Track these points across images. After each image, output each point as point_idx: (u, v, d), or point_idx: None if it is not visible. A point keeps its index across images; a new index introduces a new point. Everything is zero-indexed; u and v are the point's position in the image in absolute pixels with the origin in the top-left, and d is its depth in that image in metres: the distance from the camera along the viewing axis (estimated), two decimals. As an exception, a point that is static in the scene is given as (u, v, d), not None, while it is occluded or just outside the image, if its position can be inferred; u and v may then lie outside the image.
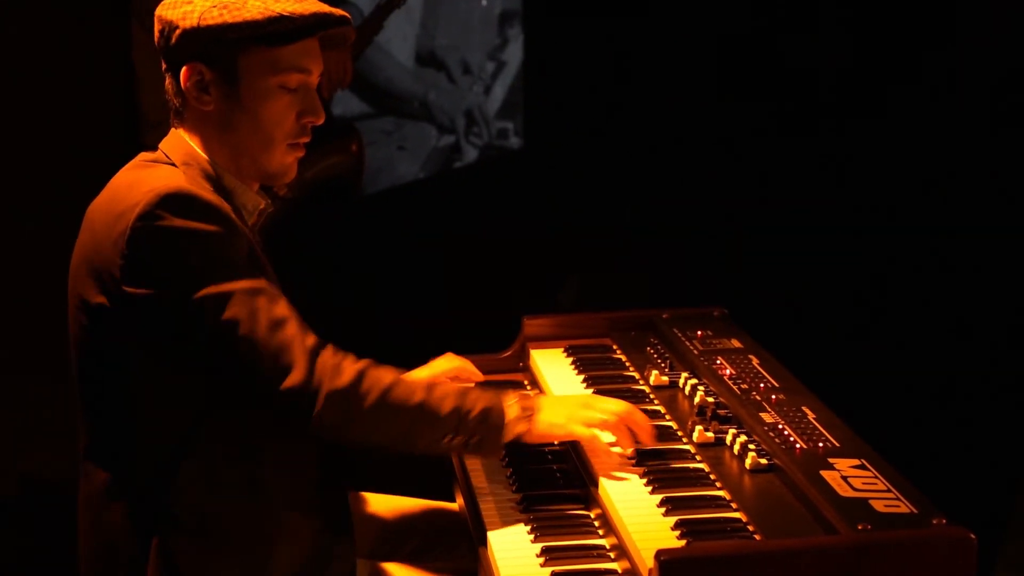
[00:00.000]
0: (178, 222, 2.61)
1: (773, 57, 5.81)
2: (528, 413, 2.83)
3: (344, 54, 4.85)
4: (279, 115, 2.78)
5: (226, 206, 2.71)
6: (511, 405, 2.81)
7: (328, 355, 2.66)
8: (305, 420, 2.61)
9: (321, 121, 2.84)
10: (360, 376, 2.66)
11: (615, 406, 2.91)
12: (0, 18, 4.74)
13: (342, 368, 2.65)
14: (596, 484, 2.84)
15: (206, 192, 2.69)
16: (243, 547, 2.74)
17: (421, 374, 3.31)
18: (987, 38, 5.08)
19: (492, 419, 2.77)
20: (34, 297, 4.82)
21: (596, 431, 2.89)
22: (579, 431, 2.87)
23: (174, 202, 2.62)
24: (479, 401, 2.77)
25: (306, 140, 2.85)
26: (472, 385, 2.91)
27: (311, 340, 2.65)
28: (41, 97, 4.84)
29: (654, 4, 6.08)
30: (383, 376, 2.70)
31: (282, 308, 2.65)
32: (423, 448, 2.77)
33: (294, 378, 2.60)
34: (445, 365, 3.37)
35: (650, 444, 2.89)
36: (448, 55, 6.65)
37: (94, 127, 4.92)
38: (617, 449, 2.92)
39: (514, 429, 2.81)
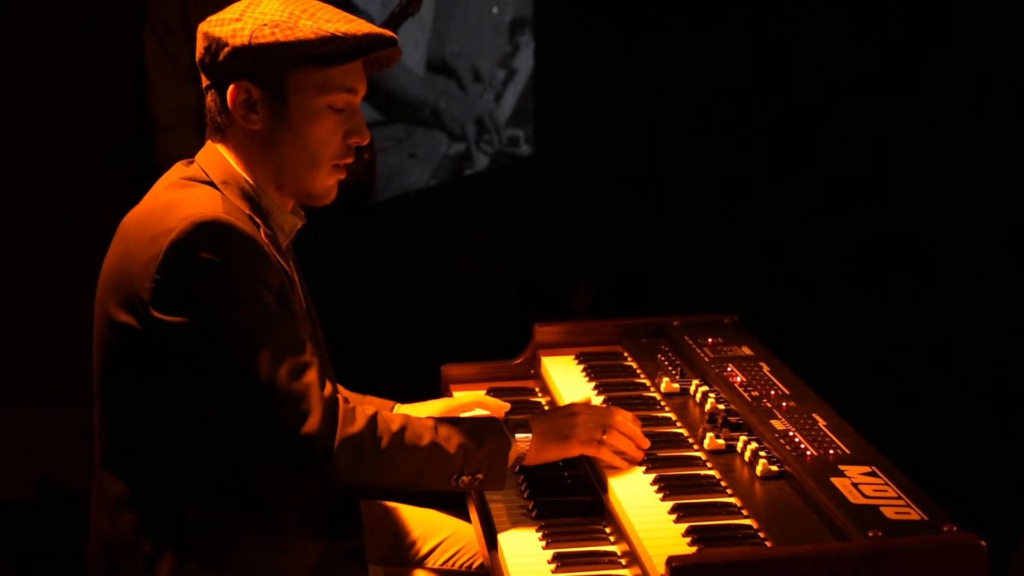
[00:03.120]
0: (211, 254, 2.60)
1: (784, 61, 5.80)
2: (527, 441, 2.84)
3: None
4: (326, 136, 2.77)
5: (261, 235, 2.70)
6: (512, 437, 2.83)
7: (342, 403, 2.66)
8: (320, 467, 2.62)
9: (367, 142, 2.83)
10: (372, 423, 2.67)
11: (612, 418, 2.92)
12: (13, 25, 4.75)
13: (355, 416, 2.66)
14: (607, 490, 2.85)
15: (242, 220, 2.67)
16: (251, 565, 2.74)
17: (437, 406, 3.28)
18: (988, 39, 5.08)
19: (499, 453, 2.79)
20: (48, 300, 4.84)
21: (597, 448, 2.90)
22: (579, 448, 2.90)
23: (209, 232, 2.61)
24: (482, 436, 2.78)
25: (350, 161, 2.84)
26: (473, 418, 2.90)
27: (328, 388, 2.65)
28: (54, 102, 4.85)
29: (664, 11, 6.08)
30: (392, 421, 2.71)
31: (305, 354, 2.64)
32: (433, 488, 2.80)
33: (311, 425, 2.60)
34: (470, 399, 3.33)
35: (640, 456, 2.91)
36: (459, 63, 6.65)
37: (107, 133, 4.93)
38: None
39: (515, 453, 2.84)
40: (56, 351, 4.79)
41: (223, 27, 2.73)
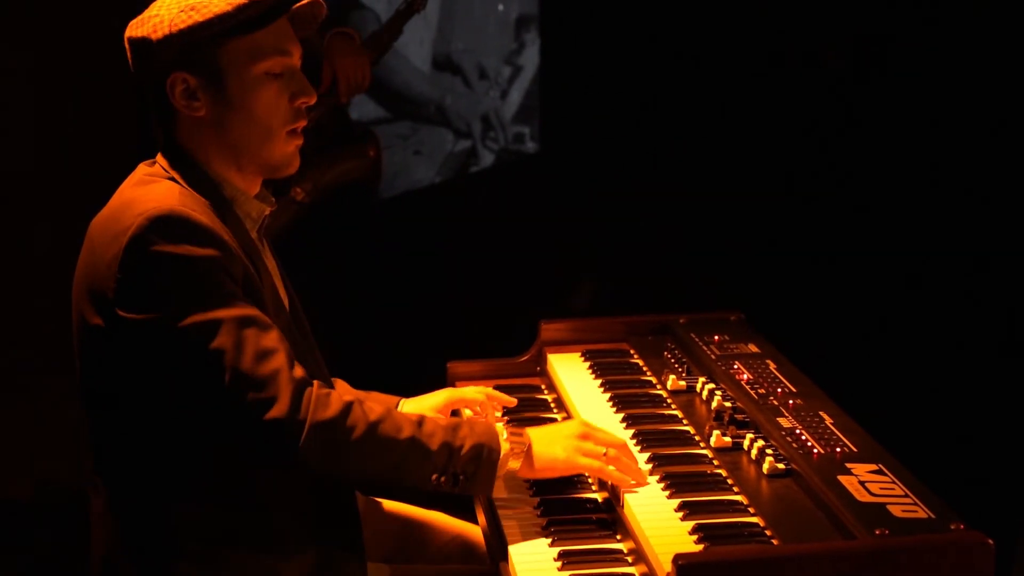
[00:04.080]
0: (169, 247, 2.60)
1: (789, 60, 5.80)
2: (520, 448, 2.78)
3: (362, 58, 4.85)
4: (271, 103, 2.76)
5: (220, 227, 2.68)
6: (503, 441, 2.76)
7: (315, 389, 2.63)
8: (289, 452, 2.59)
9: (314, 100, 2.82)
10: (347, 409, 2.63)
11: (612, 437, 2.88)
12: (14, 23, 4.75)
13: (329, 401, 2.62)
14: (612, 487, 2.84)
15: (200, 212, 2.66)
16: (246, 568, 2.73)
17: (439, 398, 3.27)
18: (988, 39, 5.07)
19: (484, 455, 2.72)
20: (50, 301, 4.83)
21: (601, 463, 2.81)
22: (584, 462, 2.81)
23: (166, 225, 2.61)
24: (470, 437, 2.72)
25: (303, 124, 2.82)
26: (463, 420, 2.86)
27: (298, 372, 2.63)
28: (54, 101, 4.85)
29: (670, 8, 6.07)
30: (372, 409, 2.67)
31: (271, 339, 2.62)
32: (412, 484, 2.72)
33: (278, 409, 2.57)
34: (465, 392, 3.31)
35: (640, 483, 2.82)
36: (464, 60, 6.65)
37: (107, 131, 4.93)
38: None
39: (506, 465, 2.77)
40: (56, 351, 4.78)
41: (143, 26, 2.74)
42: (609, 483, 2.85)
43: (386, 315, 5.75)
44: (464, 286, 6.08)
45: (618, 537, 2.77)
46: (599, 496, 2.92)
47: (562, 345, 3.65)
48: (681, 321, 3.63)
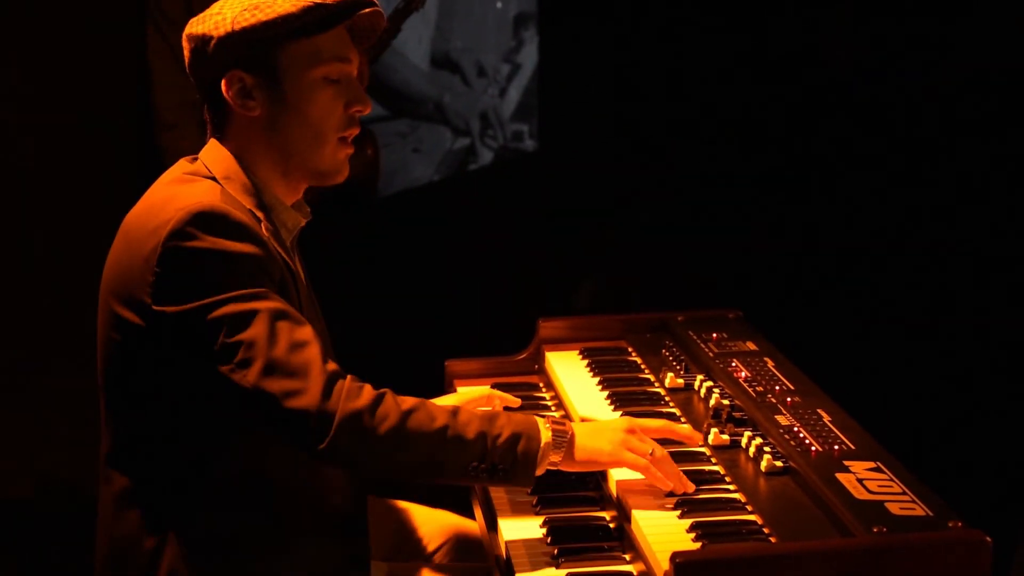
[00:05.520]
0: (208, 242, 2.59)
1: (788, 57, 5.80)
2: (563, 439, 2.69)
3: (360, 56, 4.85)
4: (326, 108, 2.76)
5: (258, 227, 2.68)
6: (544, 430, 2.67)
7: (347, 381, 2.59)
8: (318, 444, 2.54)
9: (368, 110, 2.81)
10: (378, 400, 2.58)
11: (656, 424, 2.82)
12: (15, 20, 4.75)
13: (361, 392, 2.58)
14: (610, 485, 2.84)
15: (240, 211, 2.66)
16: (253, 566, 2.74)
17: (450, 400, 3.23)
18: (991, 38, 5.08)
19: (524, 445, 2.64)
20: (50, 299, 4.84)
21: (647, 462, 2.72)
22: (629, 458, 2.71)
23: (205, 221, 2.60)
24: (508, 426, 2.64)
25: (355, 133, 2.82)
26: (500, 411, 2.79)
27: (331, 366, 2.59)
28: (55, 99, 4.85)
29: (667, 6, 6.08)
30: (404, 401, 2.61)
31: (305, 332, 2.60)
32: (448, 477, 2.64)
33: (309, 399, 2.54)
34: (478, 393, 3.28)
35: (683, 490, 2.73)
36: (463, 57, 6.65)
37: (108, 129, 4.93)
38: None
39: (548, 456, 2.67)
40: (58, 350, 4.79)
41: (205, 23, 2.74)
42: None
43: (384, 313, 5.76)
44: (462, 284, 6.08)
45: (615, 534, 2.77)
46: (595, 495, 2.92)
47: (560, 343, 3.65)
48: (679, 319, 3.63)
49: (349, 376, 2.61)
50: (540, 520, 2.82)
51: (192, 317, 2.58)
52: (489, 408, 3.19)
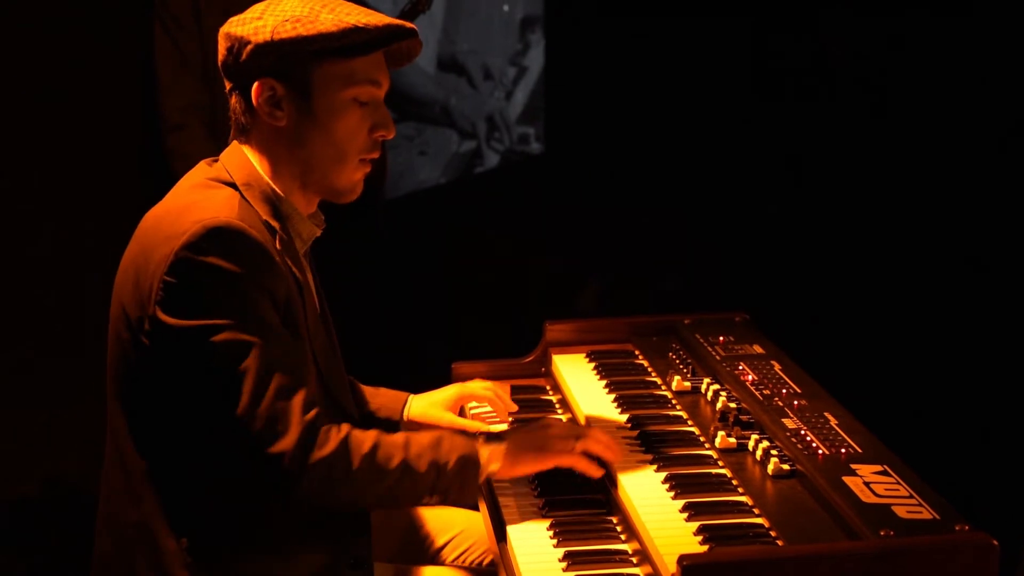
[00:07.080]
0: (220, 260, 2.60)
1: (797, 59, 5.80)
2: (498, 453, 2.81)
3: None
4: (352, 129, 2.78)
5: (276, 241, 2.71)
6: (482, 449, 2.80)
7: (321, 428, 2.64)
8: (289, 489, 2.61)
9: (392, 135, 2.85)
10: (343, 446, 2.65)
11: (581, 430, 2.92)
12: (22, 21, 4.75)
13: (328, 438, 2.64)
14: (617, 488, 2.84)
15: (256, 226, 2.68)
16: (255, 567, 2.74)
17: (447, 394, 3.31)
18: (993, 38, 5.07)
19: (468, 471, 2.77)
20: (54, 299, 4.84)
21: (571, 454, 2.86)
22: (555, 455, 2.86)
23: (220, 237, 2.61)
24: (453, 451, 2.76)
25: (376, 156, 2.85)
26: (445, 432, 2.87)
27: (312, 413, 2.63)
28: (62, 99, 4.85)
29: (676, 7, 6.08)
30: (363, 441, 2.69)
31: (295, 376, 2.64)
32: (405, 505, 2.95)
33: (284, 445, 2.59)
34: (474, 388, 3.35)
35: (614, 458, 2.89)
36: (469, 60, 6.66)
37: (115, 129, 4.93)
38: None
39: (487, 470, 2.81)
40: (63, 350, 4.79)
41: (245, 26, 2.74)
42: (612, 466, 2.88)
43: (391, 315, 5.76)
44: (469, 286, 6.08)
45: (623, 537, 2.77)
46: (602, 498, 2.92)
47: (567, 346, 3.65)
48: (686, 322, 3.63)
49: (323, 428, 2.65)
50: (547, 523, 2.82)
51: (191, 334, 2.60)
52: (455, 410, 3.32)
